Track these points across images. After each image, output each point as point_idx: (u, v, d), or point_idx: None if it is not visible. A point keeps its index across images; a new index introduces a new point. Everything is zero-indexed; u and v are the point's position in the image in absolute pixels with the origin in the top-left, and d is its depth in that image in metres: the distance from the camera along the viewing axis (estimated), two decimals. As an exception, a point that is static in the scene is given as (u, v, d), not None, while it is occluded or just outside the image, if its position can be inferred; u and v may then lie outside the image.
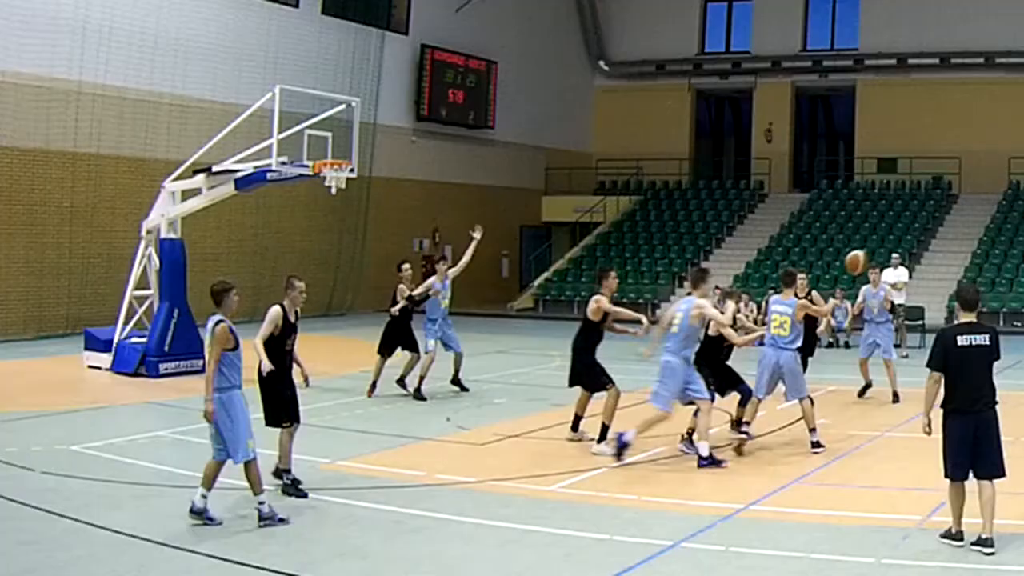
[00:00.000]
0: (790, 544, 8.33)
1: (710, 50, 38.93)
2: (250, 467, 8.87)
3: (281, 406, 9.98)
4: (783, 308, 12.15)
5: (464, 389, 16.33)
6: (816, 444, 11.88)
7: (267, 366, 9.69)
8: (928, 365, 8.31)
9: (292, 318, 10.04)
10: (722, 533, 8.68)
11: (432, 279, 16.11)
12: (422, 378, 15.72)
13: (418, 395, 15.63)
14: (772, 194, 36.55)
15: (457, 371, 16.42)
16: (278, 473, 10.05)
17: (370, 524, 9.08)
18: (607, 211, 36.44)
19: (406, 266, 16.13)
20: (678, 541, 8.42)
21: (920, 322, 23.06)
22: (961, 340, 8.22)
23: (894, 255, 23.25)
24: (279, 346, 9.89)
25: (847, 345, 23.27)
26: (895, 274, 21.89)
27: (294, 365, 10.16)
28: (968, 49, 33.63)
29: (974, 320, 8.43)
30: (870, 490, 10.24)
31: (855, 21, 36.18)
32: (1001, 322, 26.98)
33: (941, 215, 32.83)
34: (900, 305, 21.60)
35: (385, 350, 15.88)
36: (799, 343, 12.25)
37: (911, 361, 19.79)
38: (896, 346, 21.37)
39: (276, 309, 9.97)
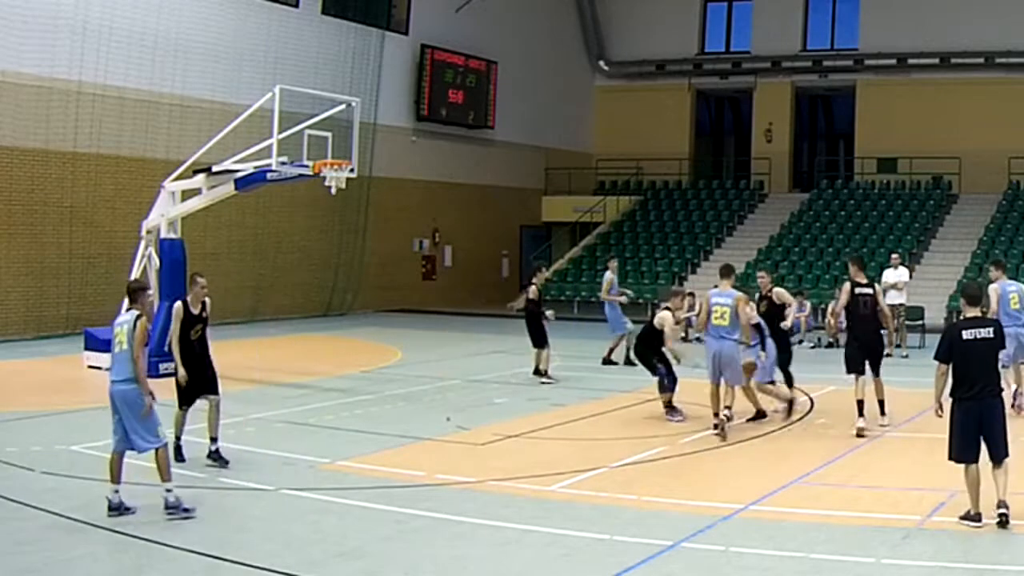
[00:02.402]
0: (790, 544, 8.33)
1: (710, 50, 38.91)
2: (159, 453, 9.14)
3: (184, 389, 11.05)
4: (724, 300, 12.77)
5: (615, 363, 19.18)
6: (718, 426, 12.57)
7: (183, 375, 10.93)
8: (936, 358, 8.94)
9: (195, 310, 11.25)
10: (722, 533, 8.68)
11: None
12: (612, 349, 19.38)
13: (609, 361, 19.34)
14: (772, 194, 36.54)
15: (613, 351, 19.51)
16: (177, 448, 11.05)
17: (370, 524, 9.08)
18: (607, 211, 36.43)
19: (544, 272, 19.17)
20: (678, 541, 8.43)
21: (920, 322, 23.05)
22: (967, 334, 8.83)
23: (894, 255, 23.23)
24: (185, 336, 11.07)
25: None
26: (895, 274, 21.86)
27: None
28: (968, 49, 33.62)
29: (979, 315, 9.12)
30: (870, 490, 10.24)
31: (855, 21, 36.15)
32: (1001, 322, 26.94)
33: (941, 215, 32.82)
34: (900, 305, 21.58)
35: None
36: (738, 335, 12.88)
37: (911, 361, 19.82)
38: (896, 346, 21.45)
39: (178, 304, 11.19)
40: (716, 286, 13.28)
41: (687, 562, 8.02)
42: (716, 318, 12.67)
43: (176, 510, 9.03)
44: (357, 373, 18.64)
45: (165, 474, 9.14)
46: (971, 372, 8.73)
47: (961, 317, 9.21)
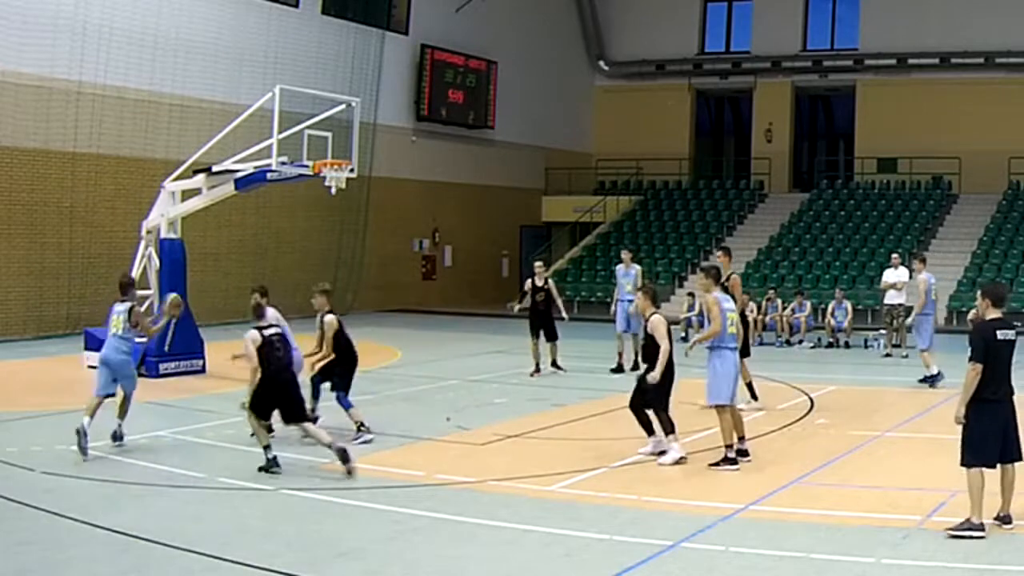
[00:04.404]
0: (790, 544, 8.32)
1: (710, 50, 38.92)
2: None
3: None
4: (732, 307, 11.68)
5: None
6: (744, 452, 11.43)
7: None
8: (973, 359, 8.54)
9: (539, 283, 16.12)
10: (722, 533, 8.68)
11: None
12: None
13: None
14: (772, 194, 36.54)
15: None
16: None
17: (370, 524, 9.08)
18: (607, 211, 36.43)
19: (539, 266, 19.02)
20: (678, 541, 8.42)
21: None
22: (1000, 334, 8.62)
23: (894, 255, 23.23)
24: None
25: (847, 345, 23.28)
26: (895, 274, 21.85)
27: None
28: (968, 49, 33.63)
29: (1001, 315, 8.83)
30: (870, 490, 10.23)
31: (855, 21, 36.17)
32: (1001, 322, 26.96)
33: (941, 215, 32.83)
34: (900, 305, 21.58)
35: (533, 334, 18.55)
36: None
37: (911, 361, 19.79)
38: (896, 346, 21.50)
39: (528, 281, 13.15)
40: (706, 289, 11.85)
41: (687, 562, 8.02)
42: (731, 327, 11.37)
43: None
44: (357, 373, 18.62)
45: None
46: (999, 374, 8.57)
47: (975, 317, 9.02)
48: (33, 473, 10.60)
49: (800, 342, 23.90)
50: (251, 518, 9.27)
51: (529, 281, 18.76)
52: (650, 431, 11.59)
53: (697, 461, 11.42)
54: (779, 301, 24.81)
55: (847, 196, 34.73)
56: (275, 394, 10.76)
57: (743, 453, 11.32)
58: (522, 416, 14.32)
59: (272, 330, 11.05)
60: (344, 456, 10.48)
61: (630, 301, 18.67)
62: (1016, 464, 8.69)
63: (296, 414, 10.98)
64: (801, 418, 14.09)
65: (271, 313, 11.90)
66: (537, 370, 18.21)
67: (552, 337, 18.55)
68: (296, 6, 28.60)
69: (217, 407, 13.96)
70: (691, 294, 25.70)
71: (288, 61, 27.28)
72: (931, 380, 16.64)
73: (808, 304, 24.55)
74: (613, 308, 19.40)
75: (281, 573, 7.68)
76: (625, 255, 20.11)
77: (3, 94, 22.13)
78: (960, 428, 8.59)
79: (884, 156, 35.09)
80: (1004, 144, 32.37)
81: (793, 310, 24.30)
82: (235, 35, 26.73)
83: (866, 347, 23.08)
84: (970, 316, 10.64)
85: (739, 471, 10.97)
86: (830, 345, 23.43)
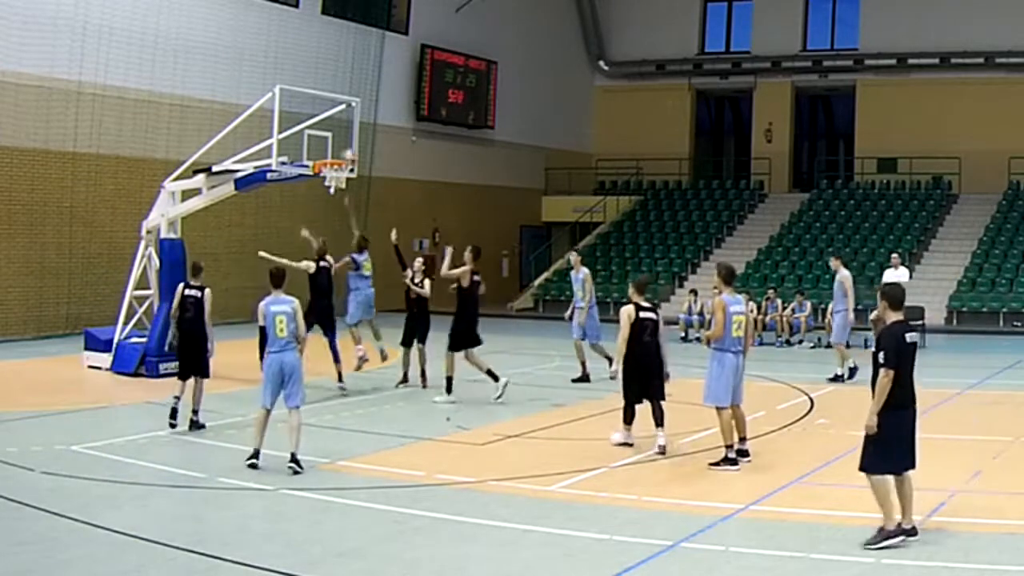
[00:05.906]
0: (790, 544, 8.33)
1: (710, 50, 38.93)
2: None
3: None
4: (742, 309, 11.45)
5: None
6: (744, 453, 11.40)
7: None
8: (886, 364, 8.25)
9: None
10: (722, 533, 8.68)
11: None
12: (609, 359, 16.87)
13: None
14: (772, 194, 36.55)
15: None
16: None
17: (370, 524, 9.09)
18: (607, 211, 36.44)
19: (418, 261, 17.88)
20: (678, 541, 8.42)
21: (920, 322, 23.03)
22: (908, 337, 8.42)
23: (894, 255, 23.24)
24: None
25: (847, 345, 23.24)
26: (895, 274, 21.86)
27: None
28: (968, 49, 33.64)
29: (904, 317, 8.61)
30: (870, 490, 10.22)
31: (855, 21, 36.18)
32: (1001, 322, 27.01)
33: (941, 215, 32.83)
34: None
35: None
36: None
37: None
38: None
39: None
40: (716, 288, 11.76)
41: (687, 562, 8.02)
42: (736, 329, 11.24)
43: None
44: (356, 373, 18.63)
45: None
46: (908, 377, 8.40)
47: (875, 319, 8.79)
48: (33, 473, 10.60)
49: (800, 342, 23.89)
50: (251, 518, 9.28)
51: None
52: (659, 423, 11.93)
53: (697, 461, 11.43)
54: (779, 301, 24.81)
55: (847, 196, 34.73)
56: (182, 341, 13.02)
57: (743, 453, 11.31)
58: (522, 416, 14.34)
59: (191, 292, 12.97)
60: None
61: (580, 308, 17.97)
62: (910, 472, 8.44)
63: (190, 368, 12.78)
64: (801, 418, 14.10)
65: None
66: (404, 380, 17.09)
67: (420, 340, 17.40)
68: (296, 6, 28.61)
69: (217, 407, 13.96)
70: (693, 291, 25.72)
71: (288, 61, 27.26)
72: (851, 373, 17.64)
73: (808, 304, 24.54)
74: (568, 312, 18.37)
75: (281, 573, 7.68)
76: (574, 258, 18.90)
77: (3, 94, 22.13)
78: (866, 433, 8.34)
79: (884, 156, 35.10)
80: (1004, 144, 32.38)
81: (793, 310, 24.29)
82: (235, 35, 26.73)
83: (866, 347, 23.04)
84: (872, 316, 9.93)
85: (739, 471, 10.96)
86: (830, 345, 23.39)
